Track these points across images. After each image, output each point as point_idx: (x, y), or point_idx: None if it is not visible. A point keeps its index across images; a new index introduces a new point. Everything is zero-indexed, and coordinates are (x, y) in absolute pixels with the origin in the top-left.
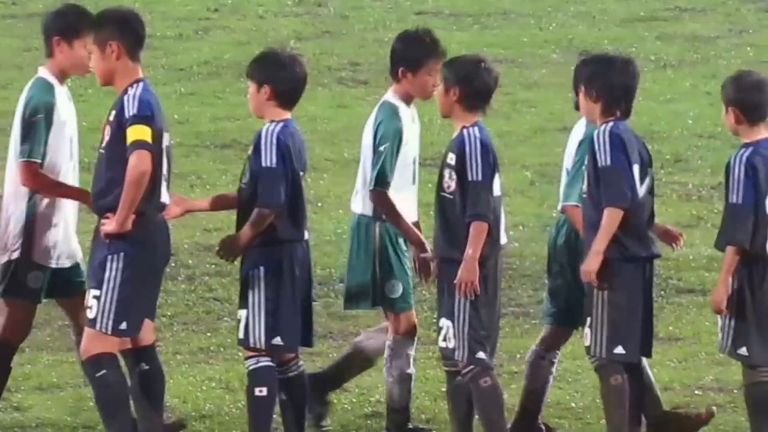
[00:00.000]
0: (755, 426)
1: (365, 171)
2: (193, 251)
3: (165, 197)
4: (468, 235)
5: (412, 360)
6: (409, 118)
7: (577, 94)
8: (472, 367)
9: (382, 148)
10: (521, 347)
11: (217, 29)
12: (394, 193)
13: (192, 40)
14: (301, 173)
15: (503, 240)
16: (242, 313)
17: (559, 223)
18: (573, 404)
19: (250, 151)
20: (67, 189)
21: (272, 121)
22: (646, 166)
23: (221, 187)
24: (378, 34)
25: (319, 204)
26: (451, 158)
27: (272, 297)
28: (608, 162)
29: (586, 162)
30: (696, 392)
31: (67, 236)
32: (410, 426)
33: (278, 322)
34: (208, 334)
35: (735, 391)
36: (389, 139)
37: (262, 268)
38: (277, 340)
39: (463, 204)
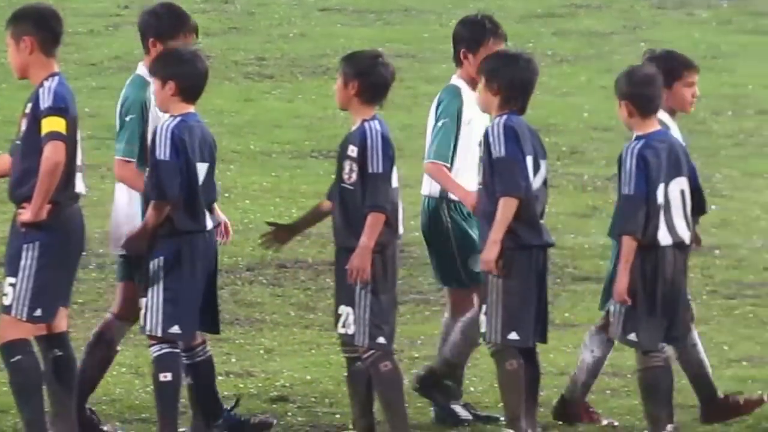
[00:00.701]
0: (648, 409)
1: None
2: (103, 240)
3: (80, 187)
4: None
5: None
6: (473, 100)
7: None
8: (372, 351)
9: (440, 123)
10: (421, 333)
11: (127, 25)
12: (459, 176)
13: (103, 35)
14: (204, 164)
15: (401, 230)
16: (143, 302)
17: None
18: (472, 388)
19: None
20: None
21: (171, 116)
22: (539, 158)
23: None
24: (283, 29)
25: (227, 194)
26: (353, 150)
27: (171, 286)
28: (502, 153)
29: (480, 154)
30: None
31: None
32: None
33: (176, 311)
34: None
35: (629, 375)
36: (449, 115)
37: (161, 258)
38: (175, 329)
39: (363, 195)
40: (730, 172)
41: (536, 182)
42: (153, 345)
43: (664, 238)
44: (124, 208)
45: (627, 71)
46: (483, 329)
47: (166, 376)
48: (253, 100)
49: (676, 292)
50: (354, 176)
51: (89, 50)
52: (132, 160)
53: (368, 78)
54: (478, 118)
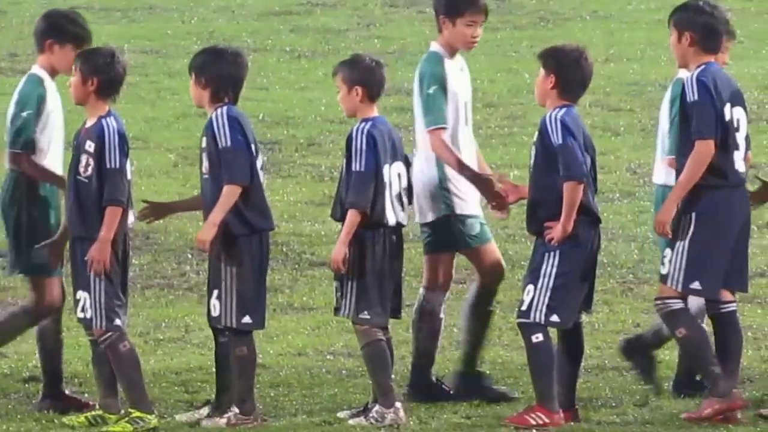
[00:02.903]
0: (376, 380)
1: (663, 143)
2: None
3: None
4: (101, 216)
5: None
6: None
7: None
8: (110, 333)
9: (677, 120)
10: (166, 316)
11: None
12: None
13: None
14: None
15: (131, 220)
16: None
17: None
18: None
19: None
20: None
21: None
22: (256, 145)
23: None
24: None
25: None
26: (90, 145)
27: None
28: (228, 143)
29: (204, 144)
30: (328, 357)
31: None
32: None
33: None
34: None
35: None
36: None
37: None
38: None
39: (98, 188)
40: None
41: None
42: None
43: (390, 217)
44: (420, 177)
45: (354, 59)
46: (215, 314)
47: None
48: (6, 95)
49: (399, 269)
50: (90, 170)
51: None
52: (445, 126)
53: (106, 75)
54: None
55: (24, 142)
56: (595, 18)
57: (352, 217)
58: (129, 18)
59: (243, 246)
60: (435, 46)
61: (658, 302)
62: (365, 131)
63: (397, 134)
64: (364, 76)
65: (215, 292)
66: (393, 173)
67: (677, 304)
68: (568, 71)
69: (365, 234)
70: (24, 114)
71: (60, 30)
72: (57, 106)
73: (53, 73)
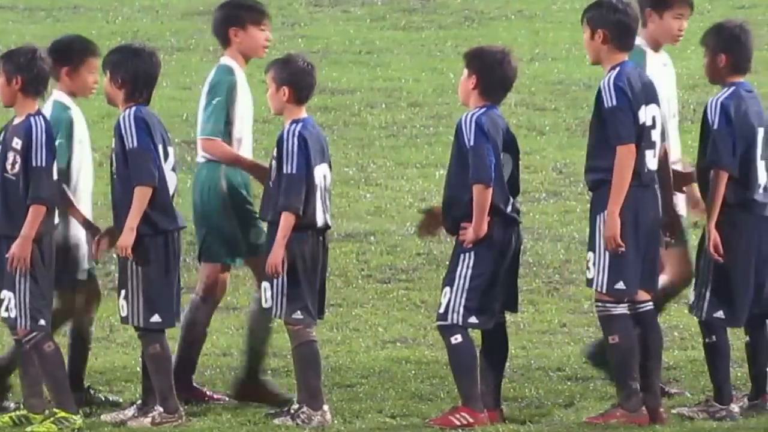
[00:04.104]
0: (306, 381)
1: None
2: None
3: None
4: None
5: None
6: None
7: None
8: (34, 333)
9: None
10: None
11: None
12: None
13: None
14: None
15: (56, 220)
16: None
17: None
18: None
19: None
20: None
21: None
22: (167, 145)
23: None
24: None
25: None
26: (17, 143)
27: None
28: (135, 144)
29: (114, 145)
30: None
31: None
32: None
33: None
34: None
35: (288, 356)
36: None
37: None
38: None
39: (25, 186)
40: (384, 162)
41: (166, 169)
42: None
43: (319, 218)
44: None
45: (286, 59)
46: (123, 313)
47: None
48: None
49: (324, 269)
50: (17, 167)
51: None
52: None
53: (30, 72)
54: None
55: (213, 129)
56: (520, 17)
57: (287, 219)
58: (53, 18)
59: (147, 246)
60: (637, 41)
61: (599, 304)
62: (296, 133)
63: (324, 136)
64: (293, 78)
65: (122, 292)
66: (319, 174)
67: (617, 310)
68: (490, 72)
69: (296, 235)
70: (214, 101)
71: (236, 16)
72: (246, 96)
73: (245, 59)
